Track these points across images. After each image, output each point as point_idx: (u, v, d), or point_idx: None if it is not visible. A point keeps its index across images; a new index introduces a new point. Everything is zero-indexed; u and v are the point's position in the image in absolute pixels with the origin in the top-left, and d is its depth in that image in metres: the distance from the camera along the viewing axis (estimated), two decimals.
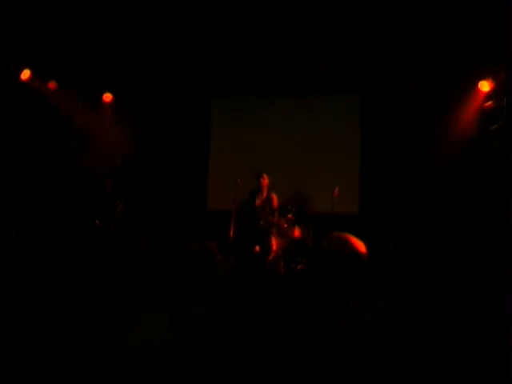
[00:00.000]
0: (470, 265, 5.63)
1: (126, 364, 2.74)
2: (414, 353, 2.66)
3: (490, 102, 7.58)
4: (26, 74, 7.96)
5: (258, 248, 6.92)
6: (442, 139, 7.99)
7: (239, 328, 3.13)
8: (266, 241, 7.16)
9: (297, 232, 7.92)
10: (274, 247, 7.20)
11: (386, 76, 8.45)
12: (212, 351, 2.96)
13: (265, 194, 7.37)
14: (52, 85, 8.42)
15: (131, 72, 8.83)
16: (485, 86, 7.55)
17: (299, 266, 7.67)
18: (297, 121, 9.32)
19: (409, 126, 8.36)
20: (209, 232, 8.03)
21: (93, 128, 8.81)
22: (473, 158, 7.80)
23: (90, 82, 8.78)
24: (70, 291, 3.97)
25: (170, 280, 3.62)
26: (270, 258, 6.99)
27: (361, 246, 6.91)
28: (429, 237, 7.55)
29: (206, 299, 3.65)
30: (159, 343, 2.78)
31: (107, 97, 9.13)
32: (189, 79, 9.13)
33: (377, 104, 8.87)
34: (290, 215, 7.54)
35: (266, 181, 7.36)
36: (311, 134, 9.24)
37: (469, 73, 7.57)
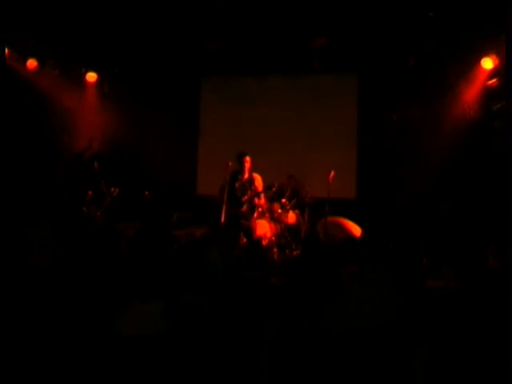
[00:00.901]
0: (468, 251, 5.82)
1: (119, 355, 2.85)
2: (405, 337, 2.86)
3: (493, 80, 7.56)
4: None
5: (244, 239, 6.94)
6: (443, 119, 8.11)
7: (238, 316, 3.30)
8: (249, 225, 7.14)
9: (291, 217, 8.09)
10: (268, 234, 7.29)
11: (384, 53, 8.52)
12: (209, 341, 3.11)
13: (246, 175, 7.35)
14: (31, 63, 8.38)
15: (116, 50, 8.88)
16: (488, 63, 7.46)
17: (294, 253, 7.86)
18: (290, 101, 9.44)
19: (408, 105, 8.49)
20: (199, 217, 8.29)
21: (76, 110, 8.92)
22: (475, 139, 7.89)
23: (73, 61, 8.84)
24: (57, 279, 4.07)
25: (160, 267, 3.78)
26: (264, 243, 7.08)
27: (356, 230, 7.19)
28: (427, 222, 7.75)
29: (201, 286, 3.83)
30: (153, 333, 2.87)
31: (91, 76, 9.16)
32: (176, 57, 9.19)
33: (375, 83, 8.98)
34: (283, 200, 7.72)
35: (248, 162, 7.34)
36: (306, 115, 9.37)
37: (470, 49, 7.57)
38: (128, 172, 9.09)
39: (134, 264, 3.99)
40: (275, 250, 7.48)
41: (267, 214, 7.49)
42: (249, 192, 7.18)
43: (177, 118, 9.59)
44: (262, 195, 7.35)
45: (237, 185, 7.27)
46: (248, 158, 7.35)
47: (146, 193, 8.05)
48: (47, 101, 8.59)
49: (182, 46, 8.84)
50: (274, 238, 7.42)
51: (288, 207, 7.93)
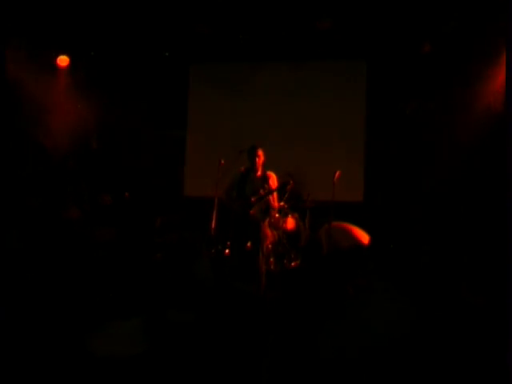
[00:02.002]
0: (480, 259, 5.78)
1: (93, 379, 2.80)
2: (414, 353, 2.80)
3: None
4: None
5: (249, 244, 6.82)
6: (463, 113, 8.09)
7: (229, 333, 3.23)
8: (258, 233, 6.92)
9: (290, 223, 8.01)
10: (266, 241, 7.18)
11: (396, 37, 8.46)
12: (195, 361, 3.05)
13: (259, 173, 7.09)
14: None
15: (92, 30, 8.74)
16: None
17: (293, 263, 7.79)
18: (290, 92, 9.36)
19: (423, 97, 8.45)
20: (186, 221, 8.20)
21: (46, 99, 8.77)
22: (499, 136, 7.85)
23: (42, 41, 8.68)
24: (26, 292, 4.00)
25: (140, 278, 3.70)
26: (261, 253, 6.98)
27: (363, 237, 7.11)
28: (438, 229, 7.70)
29: (187, 299, 3.73)
30: (130, 354, 2.84)
31: (63, 60, 9.05)
32: (162, 41, 9.09)
33: (386, 71, 8.91)
34: (281, 203, 7.64)
35: (261, 157, 7.06)
36: (307, 107, 9.29)
37: (496, 32, 7.38)
38: (106, 170, 8.97)
39: (109, 275, 3.92)
40: (272, 259, 7.42)
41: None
42: (260, 191, 6.94)
43: (162, 110, 9.54)
44: (275, 196, 7.10)
45: (250, 184, 7.02)
46: (261, 152, 7.08)
47: (126, 194, 7.96)
48: (10, 88, 8.47)
49: (168, 27, 8.73)
50: (270, 245, 7.34)
51: (287, 211, 7.86)
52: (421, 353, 2.83)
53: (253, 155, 7.03)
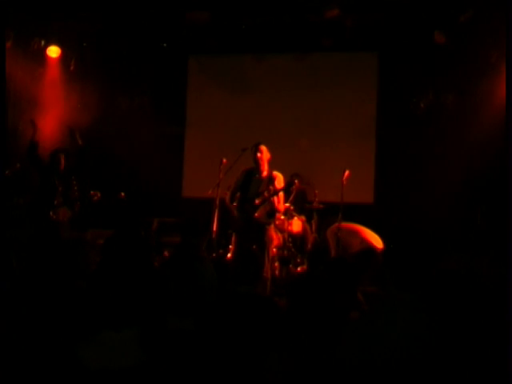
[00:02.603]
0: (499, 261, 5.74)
1: None
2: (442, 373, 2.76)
3: None
4: None
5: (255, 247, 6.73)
6: (482, 108, 8.03)
7: (232, 342, 3.19)
8: (262, 236, 6.79)
9: (296, 225, 7.99)
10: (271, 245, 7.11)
11: (410, 27, 8.39)
12: (195, 373, 3.01)
13: (264, 173, 6.96)
14: None
15: (84, 20, 8.71)
16: None
17: (299, 268, 7.77)
18: (296, 86, 9.32)
19: (439, 91, 8.42)
20: (184, 224, 8.13)
21: (35, 92, 8.75)
22: None
23: (31, 31, 8.68)
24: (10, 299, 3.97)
25: (136, 283, 3.65)
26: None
27: (376, 240, 7.05)
28: (454, 231, 7.67)
29: (187, 305, 3.69)
30: (126, 366, 2.79)
31: (53, 51, 8.98)
32: (159, 31, 9.05)
33: (399, 63, 8.85)
34: (287, 204, 7.59)
35: (265, 155, 6.91)
36: (314, 102, 9.26)
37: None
38: (99, 169, 8.93)
39: (102, 281, 3.87)
40: (276, 264, 7.39)
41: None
42: (265, 193, 6.80)
43: (159, 105, 9.52)
44: (281, 196, 6.95)
45: (254, 184, 6.88)
46: (264, 148, 6.93)
47: (122, 194, 7.92)
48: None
49: (165, 17, 8.68)
50: (275, 249, 7.31)
51: (292, 213, 7.83)
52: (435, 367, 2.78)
53: (255, 151, 6.92)
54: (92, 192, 7.49)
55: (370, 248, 7.01)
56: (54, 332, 3.22)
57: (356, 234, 7.49)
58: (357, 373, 2.74)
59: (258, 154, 6.86)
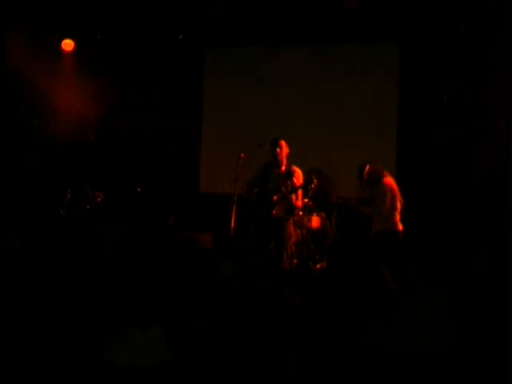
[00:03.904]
0: None
1: None
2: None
3: None
4: None
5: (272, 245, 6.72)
6: (502, 101, 7.96)
7: (251, 340, 3.21)
8: (281, 233, 6.85)
9: (315, 221, 7.99)
10: (290, 241, 7.10)
11: (433, 17, 8.32)
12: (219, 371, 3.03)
13: (283, 168, 6.97)
14: None
15: (98, 12, 8.75)
16: None
17: (318, 265, 7.77)
18: (315, 78, 9.30)
19: (463, 83, 8.34)
20: (201, 220, 8.18)
21: (50, 85, 8.79)
22: None
23: (45, 25, 8.73)
24: (28, 296, 4.00)
25: (158, 282, 3.68)
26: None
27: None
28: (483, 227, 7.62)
29: (207, 305, 3.70)
30: (152, 365, 2.82)
31: (67, 44, 9.07)
32: (174, 23, 9.06)
33: (421, 55, 8.80)
34: (306, 200, 7.58)
35: (284, 150, 6.95)
36: (332, 95, 9.22)
37: None
38: (115, 164, 8.97)
39: (120, 279, 3.90)
40: (295, 261, 7.38)
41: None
42: (283, 189, 6.81)
43: (175, 99, 9.52)
44: (299, 193, 6.95)
45: (272, 180, 6.88)
46: (283, 143, 6.97)
47: (138, 189, 7.97)
48: (12, 74, 8.50)
49: (182, 8, 8.67)
50: (293, 246, 7.30)
51: (311, 209, 7.83)
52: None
53: (274, 148, 6.94)
54: (96, 193, 7.55)
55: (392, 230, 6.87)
56: (80, 330, 3.25)
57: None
58: (382, 364, 2.77)
59: (278, 150, 6.90)
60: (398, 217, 6.79)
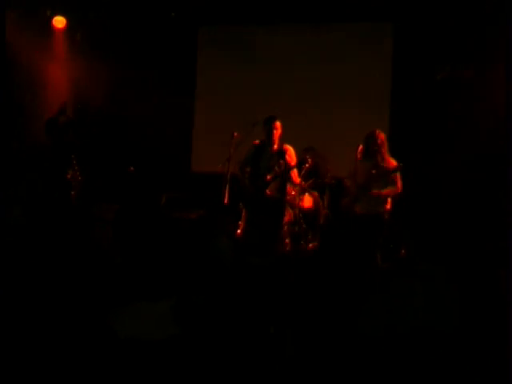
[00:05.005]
0: None
1: (119, 362, 2.86)
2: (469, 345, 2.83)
3: None
4: None
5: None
6: (497, 82, 7.97)
7: (247, 314, 3.29)
8: (276, 212, 6.86)
9: (307, 201, 8.01)
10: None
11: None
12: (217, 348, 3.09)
13: (275, 148, 6.96)
14: None
15: None
16: None
17: (310, 245, 7.83)
18: (307, 57, 9.33)
19: (458, 64, 8.36)
20: (194, 199, 8.21)
21: (41, 63, 8.79)
22: None
23: (36, 1, 8.69)
24: (36, 270, 4.05)
25: (160, 258, 3.75)
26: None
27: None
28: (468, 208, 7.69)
29: (206, 280, 3.78)
30: (160, 338, 2.88)
31: (59, 21, 9.03)
32: (168, 1, 9.07)
33: (415, 34, 8.79)
34: (299, 179, 7.61)
35: (278, 130, 6.94)
36: (326, 74, 9.25)
37: None
38: (108, 142, 8.98)
39: (117, 253, 3.97)
40: (287, 240, 7.44)
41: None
42: (276, 168, 6.82)
43: (168, 77, 9.49)
44: (295, 171, 7.01)
45: (265, 159, 6.89)
46: (278, 124, 6.96)
47: (131, 168, 7.99)
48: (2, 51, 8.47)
49: None
50: (285, 226, 7.35)
51: (304, 188, 7.86)
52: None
53: (269, 127, 6.91)
54: (77, 173, 7.53)
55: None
56: (87, 302, 3.30)
57: None
58: (380, 343, 2.83)
59: (274, 131, 6.90)
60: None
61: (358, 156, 7.23)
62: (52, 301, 3.42)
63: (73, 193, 7.25)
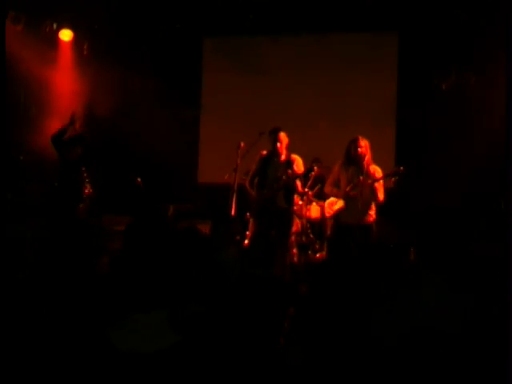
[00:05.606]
0: None
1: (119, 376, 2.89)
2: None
3: None
4: None
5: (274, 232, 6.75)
6: (500, 89, 7.98)
7: (251, 325, 3.29)
8: (285, 222, 6.94)
9: (314, 211, 8.04)
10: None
11: (429, 7, 8.38)
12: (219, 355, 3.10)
13: (283, 157, 7.00)
14: None
15: (96, 1, 8.78)
16: None
17: (317, 255, 7.84)
18: (315, 66, 9.40)
19: (462, 71, 8.45)
20: (201, 210, 8.22)
21: (48, 76, 8.85)
22: None
23: (42, 14, 8.76)
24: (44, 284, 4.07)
25: (161, 269, 3.76)
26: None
27: None
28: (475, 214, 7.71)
29: (209, 291, 3.80)
30: (159, 348, 2.88)
31: (65, 34, 9.10)
32: (173, 12, 9.13)
33: (420, 43, 8.86)
34: (305, 189, 7.65)
35: (284, 141, 6.97)
36: (332, 84, 9.33)
37: None
38: (115, 155, 9.05)
39: (127, 266, 3.98)
40: (295, 250, 7.46)
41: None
42: (283, 178, 6.84)
43: (174, 88, 9.58)
44: (299, 181, 7.01)
45: (272, 169, 6.91)
46: (283, 136, 6.98)
47: (138, 180, 8.02)
48: (9, 65, 8.51)
49: None
50: (293, 235, 7.38)
51: (311, 198, 7.88)
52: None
53: (274, 139, 6.94)
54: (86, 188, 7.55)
55: None
56: (84, 317, 3.32)
57: None
58: (392, 351, 2.84)
59: (278, 144, 6.92)
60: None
61: (339, 162, 7.18)
62: (58, 312, 3.44)
63: (81, 206, 7.27)
